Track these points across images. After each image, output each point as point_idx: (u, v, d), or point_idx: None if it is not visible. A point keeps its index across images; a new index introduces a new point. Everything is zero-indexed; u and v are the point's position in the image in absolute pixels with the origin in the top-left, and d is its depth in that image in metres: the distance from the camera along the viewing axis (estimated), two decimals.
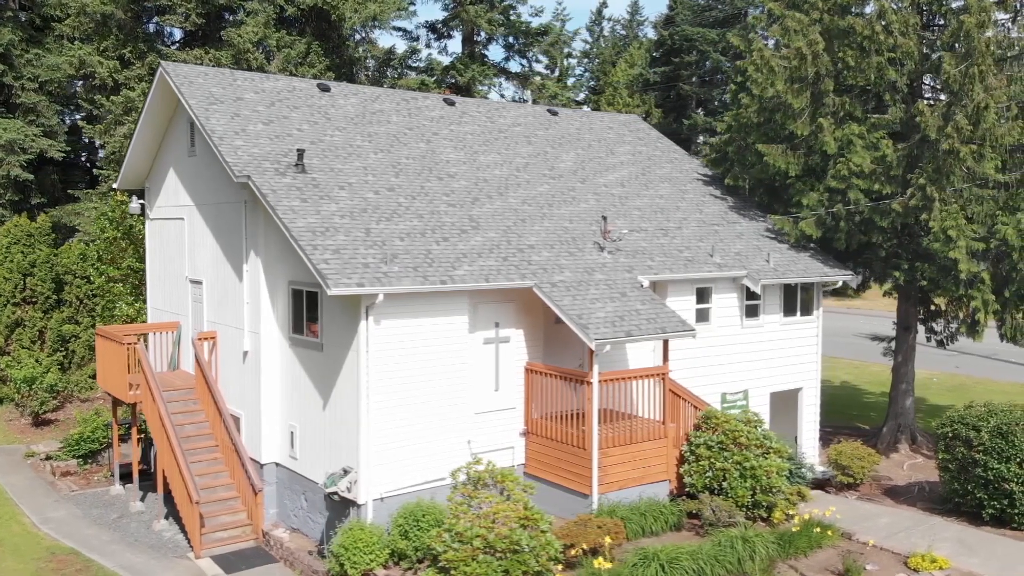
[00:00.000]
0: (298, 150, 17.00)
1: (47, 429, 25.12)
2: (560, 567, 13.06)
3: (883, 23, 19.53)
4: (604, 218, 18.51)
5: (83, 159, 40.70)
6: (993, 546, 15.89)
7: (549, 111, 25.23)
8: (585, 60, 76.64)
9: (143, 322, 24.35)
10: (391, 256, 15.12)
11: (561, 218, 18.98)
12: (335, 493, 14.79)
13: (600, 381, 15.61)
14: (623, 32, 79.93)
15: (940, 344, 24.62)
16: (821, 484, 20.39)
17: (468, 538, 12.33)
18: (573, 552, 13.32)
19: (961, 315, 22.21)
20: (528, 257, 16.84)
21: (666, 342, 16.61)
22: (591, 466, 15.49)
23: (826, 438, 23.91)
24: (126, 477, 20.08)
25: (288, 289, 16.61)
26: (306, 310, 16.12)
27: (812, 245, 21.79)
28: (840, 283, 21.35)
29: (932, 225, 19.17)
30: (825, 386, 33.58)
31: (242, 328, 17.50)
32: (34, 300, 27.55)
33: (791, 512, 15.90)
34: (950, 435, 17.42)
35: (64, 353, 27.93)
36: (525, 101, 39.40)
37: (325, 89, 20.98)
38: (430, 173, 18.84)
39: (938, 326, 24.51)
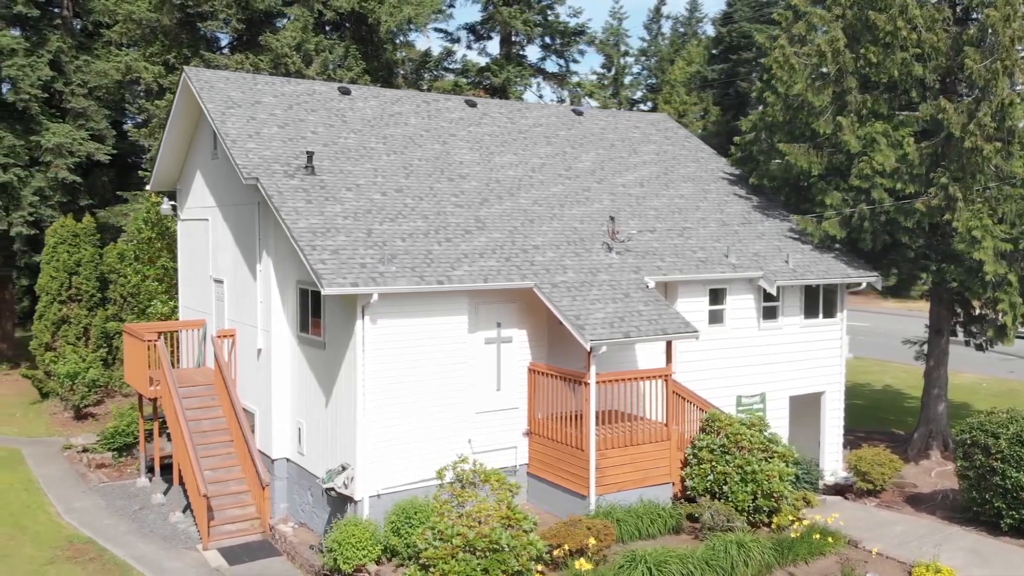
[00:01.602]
0: (307, 152, 17.33)
1: (88, 422, 26.06)
2: (541, 567, 13.06)
3: (906, 18, 18.99)
4: (612, 218, 18.43)
5: (143, 162, 42.01)
6: (1010, 557, 15.37)
7: (574, 111, 25.19)
8: (643, 58, 76.30)
9: (177, 320, 25.06)
10: (390, 256, 15.32)
11: (572, 219, 18.95)
12: (332, 489, 15.06)
13: (599, 382, 15.56)
14: (682, 30, 79.26)
15: (979, 348, 23.89)
16: (842, 490, 20.00)
17: (448, 536, 12.44)
18: (557, 553, 13.32)
19: (994, 317, 21.51)
20: (531, 258, 16.87)
21: (669, 343, 16.45)
22: (588, 467, 15.46)
23: (857, 443, 23.37)
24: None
25: (296, 288, 16.95)
26: (311, 309, 16.45)
27: (837, 246, 21.32)
28: (864, 284, 20.84)
29: (956, 225, 18.61)
30: (867, 390, 32.95)
31: (256, 326, 17.92)
32: (79, 298, 28.59)
33: (791, 518, 15.59)
34: (968, 442, 16.89)
35: (108, 349, 28.92)
36: (563, 101, 39.37)
37: (345, 92, 21.31)
38: (441, 174, 19.00)
39: (977, 329, 23.78)
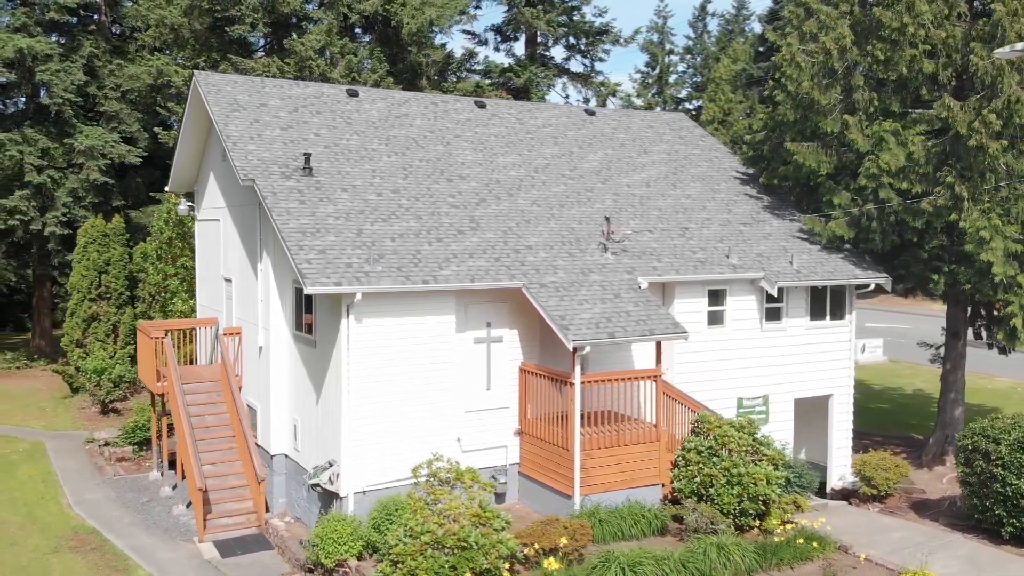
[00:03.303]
0: (304, 154, 17.63)
1: (112, 417, 26.81)
2: (509, 565, 13.10)
3: (913, 15, 18.59)
4: (607, 219, 18.39)
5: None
6: (1007, 566, 15.00)
7: (586, 111, 25.15)
8: (688, 56, 75.68)
9: (194, 318, 25.66)
10: (376, 256, 15.51)
11: (570, 219, 18.95)
12: (317, 485, 15.31)
13: (584, 382, 15.56)
14: (729, 28, 78.40)
15: (1001, 351, 23.26)
16: (848, 495, 19.71)
17: (418, 533, 12.59)
18: (529, 551, 13.37)
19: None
20: (523, 258, 16.93)
21: (659, 344, 16.38)
22: (573, 467, 15.47)
23: (875, 448, 22.88)
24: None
25: (293, 288, 17.26)
26: (304, 308, 16.74)
27: (847, 246, 20.96)
28: (872, 285, 20.45)
29: (963, 225, 18.18)
30: (896, 393, 32.30)
31: (258, 324, 18.29)
32: (108, 296, 29.45)
33: (776, 521, 15.40)
34: (970, 448, 16.51)
35: (135, 346, 29.69)
36: (588, 101, 39.30)
37: (353, 94, 21.59)
38: (440, 175, 19.15)
39: (997, 331, 23.17)
